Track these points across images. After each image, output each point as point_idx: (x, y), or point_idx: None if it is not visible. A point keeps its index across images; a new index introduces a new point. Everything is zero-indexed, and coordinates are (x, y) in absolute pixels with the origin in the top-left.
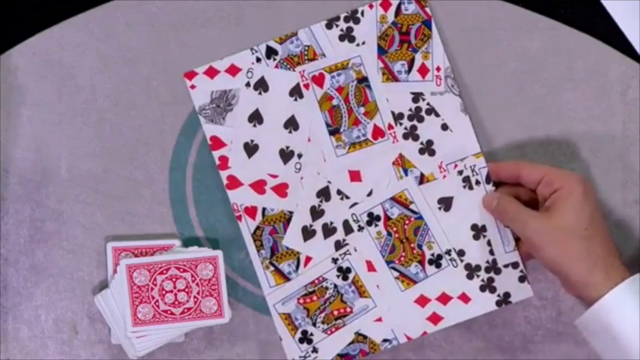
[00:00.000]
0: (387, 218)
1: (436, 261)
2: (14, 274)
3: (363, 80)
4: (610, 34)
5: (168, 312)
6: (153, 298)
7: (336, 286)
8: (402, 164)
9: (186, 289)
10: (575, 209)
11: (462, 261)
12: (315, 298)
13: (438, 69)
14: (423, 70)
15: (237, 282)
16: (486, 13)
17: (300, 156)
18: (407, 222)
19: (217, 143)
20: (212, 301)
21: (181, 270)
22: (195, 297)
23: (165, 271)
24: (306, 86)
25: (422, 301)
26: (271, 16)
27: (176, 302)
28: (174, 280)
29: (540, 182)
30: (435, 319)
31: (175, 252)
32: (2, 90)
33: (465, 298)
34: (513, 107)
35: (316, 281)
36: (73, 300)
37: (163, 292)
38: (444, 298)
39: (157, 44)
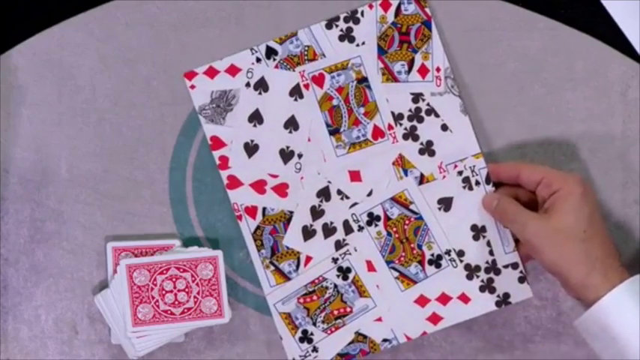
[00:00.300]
0: (387, 218)
1: (436, 261)
2: (14, 274)
3: (363, 80)
4: (610, 34)
5: (168, 312)
6: (153, 298)
7: (336, 285)
8: (402, 164)
9: (186, 289)
10: (573, 211)
11: (461, 261)
12: (315, 297)
13: (438, 69)
14: (423, 71)
15: (237, 282)
16: (486, 13)
17: (300, 156)
18: (407, 222)
19: (217, 143)
20: (212, 301)
21: (181, 270)
22: (195, 297)
23: (165, 271)
24: (306, 86)
25: (422, 301)
26: (271, 16)
27: (176, 302)
28: (174, 280)
29: (539, 183)
30: (434, 319)
31: (175, 252)
32: (2, 90)
33: (464, 298)
34: (513, 107)
35: (316, 281)
36: (73, 300)
37: (163, 292)
38: (444, 299)
39: (157, 44)
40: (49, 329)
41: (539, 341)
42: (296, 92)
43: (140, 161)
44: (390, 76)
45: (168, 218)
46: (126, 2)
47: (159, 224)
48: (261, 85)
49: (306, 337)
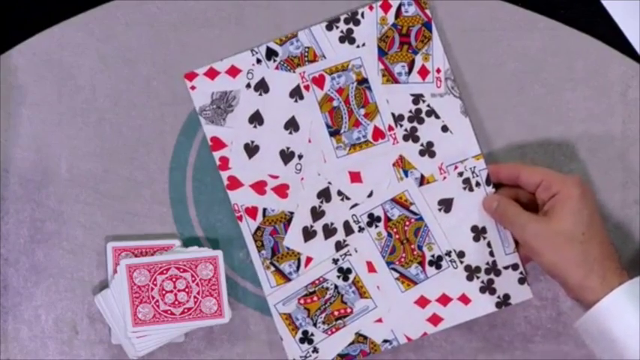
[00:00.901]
0: (388, 219)
1: (436, 262)
2: (14, 274)
3: (363, 82)
4: (610, 34)
5: (169, 312)
6: (153, 298)
7: (336, 286)
8: (403, 165)
9: (187, 289)
10: (572, 214)
11: (462, 262)
12: (315, 298)
13: (438, 71)
14: (423, 72)
15: (237, 282)
16: (486, 13)
17: (300, 157)
18: (407, 223)
19: (218, 144)
20: (212, 301)
21: (181, 270)
22: (195, 297)
23: (165, 271)
24: (307, 87)
25: (422, 302)
26: (271, 16)
27: (176, 302)
28: (174, 280)
29: (539, 186)
30: (435, 320)
31: (175, 252)
32: (2, 90)
33: (465, 299)
34: (513, 107)
35: (317, 282)
36: (73, 300)
37: (163, 292)
38: (444, 300)
39: (157, 44)
40: (49, 329)
41: (539, 341)
42: (296, 93)
43: (140, 161)
44: (390, 77)
45: (168, 218)
46: (126, 2)
47: (159, 224)
48: (262, 86)
49: (306, 338)
